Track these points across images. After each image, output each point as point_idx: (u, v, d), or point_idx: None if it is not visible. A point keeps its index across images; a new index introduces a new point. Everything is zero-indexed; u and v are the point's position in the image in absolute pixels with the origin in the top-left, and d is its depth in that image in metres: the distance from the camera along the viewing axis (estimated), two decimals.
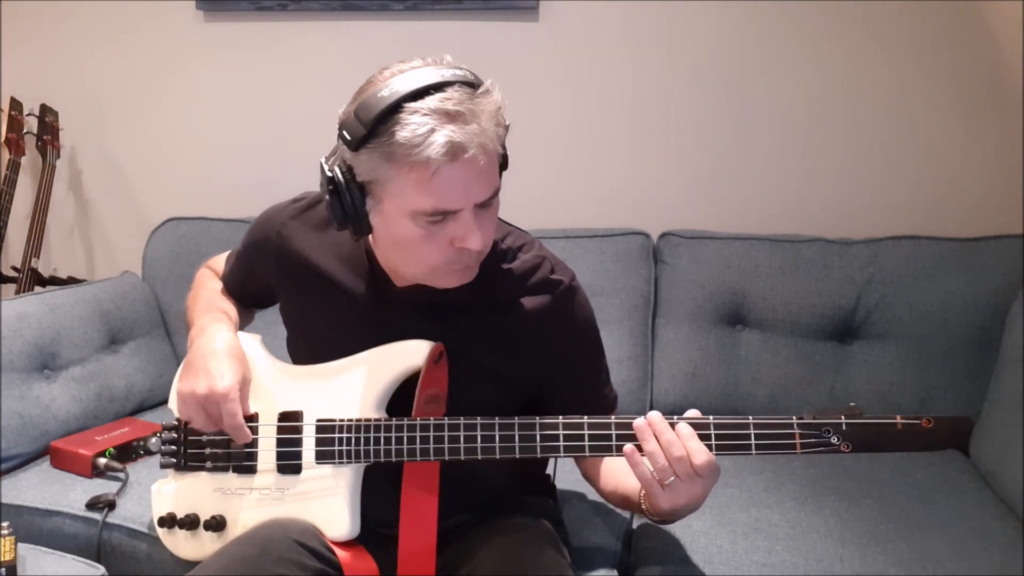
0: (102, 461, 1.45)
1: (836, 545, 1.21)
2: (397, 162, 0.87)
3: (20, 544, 1.19)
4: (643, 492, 0.99)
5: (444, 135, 0.85)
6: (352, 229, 0.96)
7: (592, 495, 1.24)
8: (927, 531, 1.26)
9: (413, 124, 0.85)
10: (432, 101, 0.85)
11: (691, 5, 1.87)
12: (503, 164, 0.96)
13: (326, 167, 0.93)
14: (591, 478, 1.14)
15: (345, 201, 0.92)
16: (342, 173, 0.91)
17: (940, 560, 1.18)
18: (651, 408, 1.72)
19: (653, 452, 0.91)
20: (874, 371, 1.64)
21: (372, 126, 0.86)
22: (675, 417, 0.94)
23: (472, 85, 0.89)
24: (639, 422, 0.93)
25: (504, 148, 0.95)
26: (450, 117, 0.85)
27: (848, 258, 1.69)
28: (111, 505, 1.34)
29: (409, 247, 0.95)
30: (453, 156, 0.86)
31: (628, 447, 0.92)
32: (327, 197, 0.93)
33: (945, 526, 1.28)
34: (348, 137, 0.89)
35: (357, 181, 0.91)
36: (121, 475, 1.43)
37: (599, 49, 1.94)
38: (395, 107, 0.86)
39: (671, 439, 0.91)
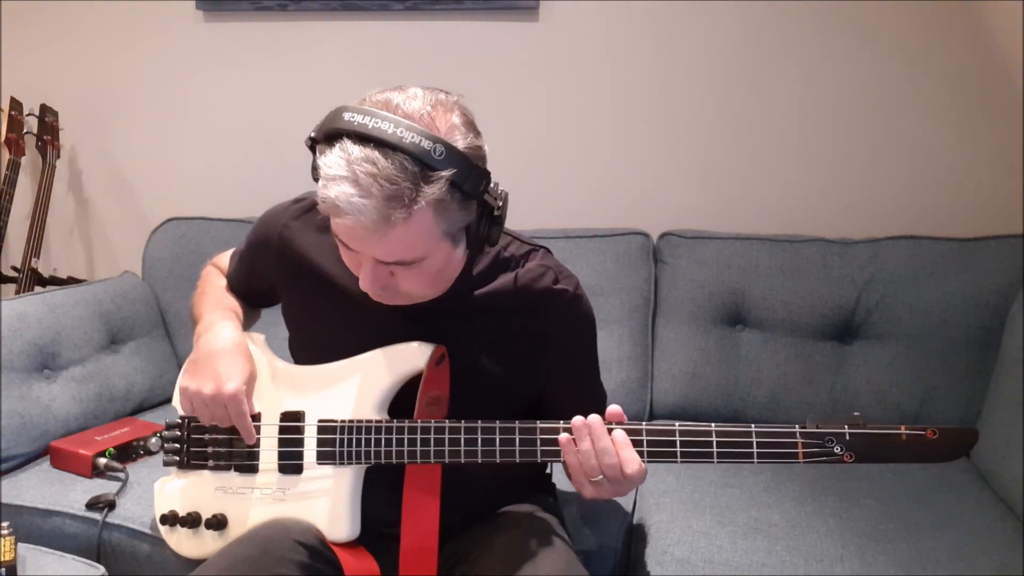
0: (102, 461, 1.45)
1: (836, 545, 1.21)
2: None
3: (20, 544, 1.19)
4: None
5: (335, 191, 0.83)
6: None
7: None
8: (927, 531, 1.26)
9: (331, 162, 0.84)
10: (360, 153, 0.83)
11: (692, 5, 1.87)
12: (482, 238, 0.92)
13: (314, 132, 0.92)
14: None
15: (314, 172, 0.93)
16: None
17: (940, 560, 1.18)
18: (651, 408, 1.76)
19: (585, 452, 0.93)
20: (874, 371, 1.64)
21: (322, 136, 0.87)
22: (614, 424, 0.95)
23: (427, 166, 0.83)
24: (577, 420, 0.94)
25: (472, 228, 0.91)
26: (354, 180, 0.82)
27: (848, 258, 1.69)
28: (111, 505, 1.34)
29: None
30: (333, 213, 0.86)
31: (564, 437, 0.95)
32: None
33: (945, 526, 1.28)
34: (313, 133, 0.90)
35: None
36: (121, 475, 1.43)
37: (599, 49, 1.94)
38: (338, 135, 0.85)
39: (606, 447, 0.92)
